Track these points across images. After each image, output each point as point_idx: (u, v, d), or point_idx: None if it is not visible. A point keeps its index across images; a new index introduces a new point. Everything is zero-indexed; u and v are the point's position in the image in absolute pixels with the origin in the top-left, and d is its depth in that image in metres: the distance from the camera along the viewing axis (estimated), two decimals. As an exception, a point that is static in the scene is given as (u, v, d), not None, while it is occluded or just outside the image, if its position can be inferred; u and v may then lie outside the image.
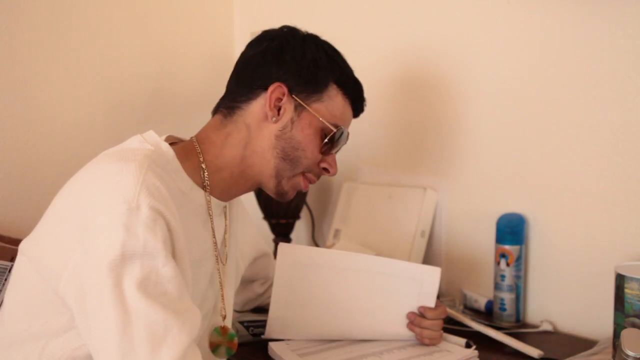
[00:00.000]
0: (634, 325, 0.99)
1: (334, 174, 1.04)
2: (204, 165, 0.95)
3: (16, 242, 1.31)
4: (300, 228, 1.82)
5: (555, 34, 1.28)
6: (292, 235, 1.73)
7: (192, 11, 1.81)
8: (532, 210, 1.34)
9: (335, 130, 0.98)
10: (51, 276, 0.81)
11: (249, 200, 1.74)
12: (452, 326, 1.27)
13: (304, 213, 1.73)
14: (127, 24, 1.63)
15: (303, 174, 1.01)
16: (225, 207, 1.04)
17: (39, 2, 1.43)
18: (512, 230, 1.32)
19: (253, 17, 1.89)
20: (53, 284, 0.80)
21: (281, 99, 0.96)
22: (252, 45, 1.02)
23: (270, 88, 0.96)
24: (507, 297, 1.32)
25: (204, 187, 0.95)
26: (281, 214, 1.66)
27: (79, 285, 0.78)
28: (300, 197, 1.67)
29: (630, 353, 0.85)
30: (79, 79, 1.53)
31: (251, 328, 1.20)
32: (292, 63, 0.97)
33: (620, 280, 1.01)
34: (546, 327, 1.30)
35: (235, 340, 1.04)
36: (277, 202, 1.63)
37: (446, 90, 1.47)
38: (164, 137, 0.96)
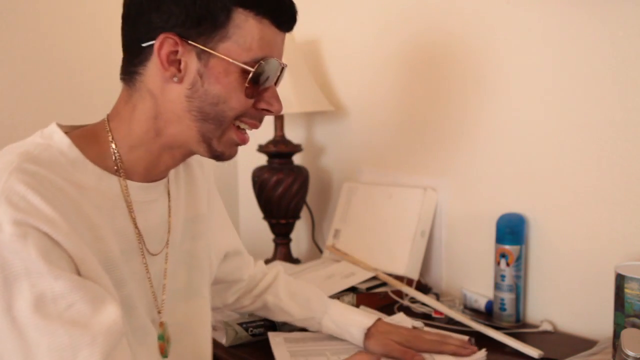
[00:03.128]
0: (634, 325, 0.99)
1: (278, 111, 0.86)
2: (114, 145, 0.82)
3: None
4: (300, 228, 1.82)
5: (555, 34, 1.28)
6: (292, 235, 1.73)
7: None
8: (532, 210, 1.34)
9: (253, 69, 0.80)
10: None
11: (249, 200, 1.74)
12: (452, 326, 1.27)
13: (304, 213, 1.73)
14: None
15: (235, 126, 0.84)
16: (166, 187, 0.91)
17: (39, 2, 1.43)
18: (512, 230, 1.32)
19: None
20: None
21: (176, 52, 0.78)
22: None
23: (156, 43, 0.77)
24: (507, 297, 1.32)
25: (117, 172, 0.82)
26: (281, 214, 1.66)
27: None
28: (300, 197, 1.67)
29: (630, 353, 0.85)
30: (78, 79, 1.53)
31: (251, 328, 1.20)
32: (173, 3, 0.77)
33: (620, 280, 1.01)
34: (546, 327, 1.30)
35: (169, 331, 0.92)
36: (277, 202, 1.63)
37: (446, 90, 1.47)
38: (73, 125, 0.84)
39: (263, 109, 0.86)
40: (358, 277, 1.42)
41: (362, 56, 1.64)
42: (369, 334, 1.12)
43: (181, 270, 0.96)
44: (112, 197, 0.81)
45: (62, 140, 0.79)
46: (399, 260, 1.46)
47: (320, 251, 1.74)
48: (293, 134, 1.77)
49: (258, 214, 1.71)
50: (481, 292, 1.42)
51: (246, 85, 0.81)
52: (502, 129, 1.38)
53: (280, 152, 1.65)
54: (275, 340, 1.16)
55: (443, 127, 1.49)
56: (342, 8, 1.67)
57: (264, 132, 1.81)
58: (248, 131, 0.88)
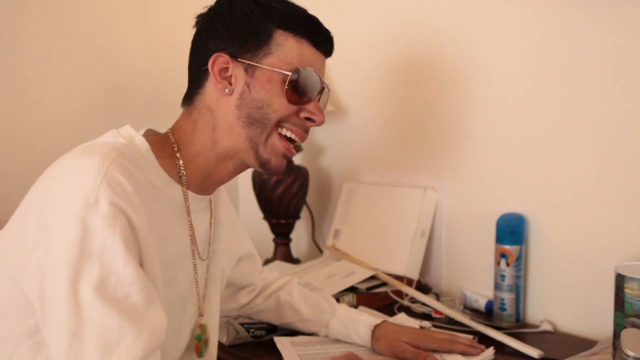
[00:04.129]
0: (634, 325, 0.99)
1: (320, 121, 0.94)
2: (178, 155, 0.91)
3: (16, 242, 1.31)
4: (300, 228, 1.82)
5: (555, 34, 1.28)
6: (292, 236, 1.73)
7: (193, 11, 1.80)
8: (532, 210, 1.34)
9: (291, 73, 0.89)
10: (16, 274, 0.78)
11: (249, 200, 1.74)
12: (452, 326, 1.27)
13: (304, 213, 1.73)
14: (127, 24, 1.63)
15: (279, 134, 0.92)
16: (210, 201, 1.00)
17: (39, 2, 1.43)
18: (512, 230, 1.32)
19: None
20: (18, 282, 0.78)
21: (227, 68, 0.90)
22: (195, 28, 0.97)
23: (210, 62, 0.90)
24: (507, 297, 1.32)
25: (180, 181, 0.91)
26: (281, 214, 1.66)
27: (40, 283, 0.75)
28: (300, 197, 1.67)
29: (630, 353, 0.85)
30: (79, 79, 1.53)
31: (252, 330, 1.20)
32: (224, 28, 0.91)
33: (620, 280, 1.01)
34: (546, 327, 1.30)
35: (208, 331, 1.00)
36: (277, 202, 1.64)
37: (446, 90, 1.47)
38: (142, 130, 0.92)
39: (306, 118, 0.94)
40: (358, 277, 1.42)
41: (362, 56, 1.64)
42: (376, 334, 1.13)
43: (215, 279, 1.05)
44: (176, 202, 0.90)
45: (143, 144, 0.87)
46: (398, 260, 1.46)
47: (320, 251, 1.74)
48: (293, 134, 1.77)
49: (258, 214, 1.71)
50: (481, 292, 1.42)
51: (286, 88, 0.89)
52: (502, 129, 1.38)
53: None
54: (283, 343, 1.15)
55: (443, 127, 1.49)
56: (342, 9, 1.67)
57: (264, 132, 1.81)
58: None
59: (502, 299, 1.32)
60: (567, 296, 1.30)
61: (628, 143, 1.20)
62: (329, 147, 1.77)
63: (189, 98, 0.95)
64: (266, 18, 0.90)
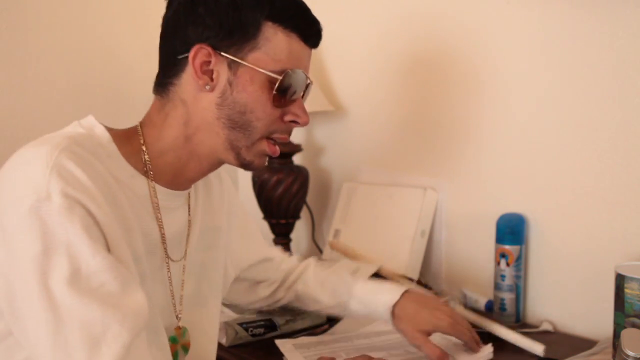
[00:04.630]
0: (634, 325, 0.99)
1: (305, 123, 0.89)
2: (144, 148, 0.85)
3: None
4: (300, 228, 1.82)
5: (555, 34, 1.28)
6: (292, 235, 1.73)
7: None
8: (532, 210, 1.34)
9: (280, 77, 0.83)
10: None
11: (249, 200, 1.74)
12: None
13: (304, 213, 1.73)
14: (126, 23, 1.63)
15: (267, 138, 0.87)
16: (188, 197, 0.94)
17: (39, 2, 1.43)
18: (512, 230, 1.32)
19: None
20: None
21: (209, 62, 0.82)
22: (167, 6, 0.87)
23: (191, 53, 0.82)
24: (507, 297, 1.32)
25: (146, 174, 0.85)
26: (281, 214, 1.66)
27: (6, 286, 0.71)
28: (300, 197, 1.67)
29: (630, 353, 0.85)
30: (79, 79, 1.53)
31: (250, 329, 1.20)
32: (208, 15, 0.82)
33: (620, 280, 1.01)
34: (546, 327, 1.30)
35: (187, 335, 0.94)
36: (277, 202, 1.63)
37: (446, 90, 1.47)
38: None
39: (291, 121, 0.88)
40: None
41: (362, 56, 1.64)
42: (396, 314, 1.09)
43: (192, 280, 0.97)
44: (141, 196, 0.84)
45: (103, 134, 0.82)
46: (398, 260, 1.46)
47: (320, 251, 1.74)
48: (293, 133, 1.77)
49: (258, 214, 1.71)
50: (481, 292, 1.42)
51: (274, 93, 0.83)
52: (502, 129, 1.38)
53: (280, 152, 1.65)
54: (286, 347, 1.15)
55: (443, 127, 1.49)
56: (342, 8, 1.67)
57: (264, 132, 1.81)
58: None
59: (502, 299, 1.32)
60: (567, 296, 1.30)
61: (628, 143, 1.20)
62: (329, 147, 1.77)
63: (161, 86, 0.87)
64: (255, 7, 0.82)
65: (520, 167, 1.35)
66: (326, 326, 1.29)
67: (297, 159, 1.73)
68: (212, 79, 0.83)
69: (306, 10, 0.89)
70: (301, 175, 1.66)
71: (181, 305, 0.94)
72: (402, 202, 1.51)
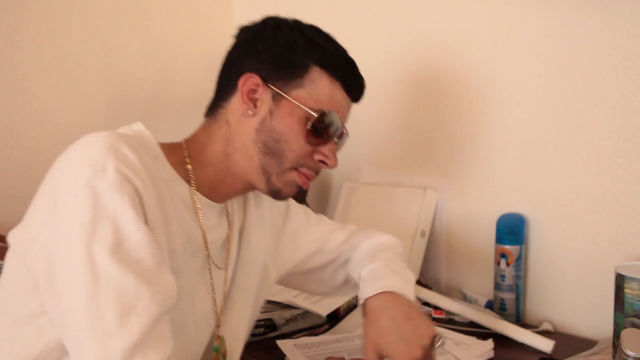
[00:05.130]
0: (634, 325, 0.99)
1: (333, 166, 0.93)
2: (188, 160, 0.91)
3: (16, 242, 1.31)
4: (300, 228, 1.81)
5: (555, 34, 1.28)
6: (292, 235, 1.73)
7: (192, 11, 1.81)
8: (532, 210, 1.34)
9: (316, 115, 0.89)
10: (23, 251, 0.79)
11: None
12: (452, 326, 1.27)
13: (304, 213, 1.73)
14: (127, 24, 1.63)
15: (297, 169, 0.92)
16: (226, 211, 0.98)
17: (39, 2, 1.43)
18: (512, 230, 1.32)
19: (253, 17, 1.88)
20: (24, 259, 0.78)
21: (255, 90, 0.90)
22: (234, 39, 0.98)
23: (241, 80, 0.90)
24: (507, 297, 1.32)
25: (188, 182, 0.90)
26: (281, 214, 1.66)
27: (48, 257, 0.75)
28: (300, 197, 1.66)
29: (630, 353, 0.85)
30: (79, 79, 1.53)
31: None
32: (264, 50, 0.91)
33: (620, 280, 1.01)
34: (546, 327, 1.30)
35: (225, 345, 0.98)
36: (277, 202, 1.63)
37: (446, 90, 1.47)
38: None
39: (319, 161, 0.93)
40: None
41: (362, 56, 1.64)
42: (365, 309, 0.94)
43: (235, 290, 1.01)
44: (184, 198, 0.89)
45: (151, 139, 0.88)
46: (399, 260, 1.46)
47: (320, 251, 1.74)
48: (293, 134, 1.77)
49: (258, 214, 1.71)
50: (481, 292, 1.42)
51: (307, 128, 0.89)
52: (502, 129, 1.38)
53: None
54: (287, 347, 1.15)
55: (443, 127, 1.49)
56: (342, 8, 1.67)
57: (264, 132, 1.81)
58: None
59: (502, 299, 1.32)
60: (567, 296, 1.30)
61: (628, 143, 1.20)
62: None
63: (212, 110, 0.95)
64: (307, 51, 0.91)
65: (520, 167, 1.35)
66: (326, 326, 1.29)
67: (297, 159, 1.73)
68: (255, 106, 0.90)
69: (353, 66, 0.97)
70: (301, 175, 1.65)
71: (222, 316, 0.98)
72: (402, 202, 1.51)
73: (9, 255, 0.84)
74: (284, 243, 1.09)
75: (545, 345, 1.15)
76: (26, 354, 0.78)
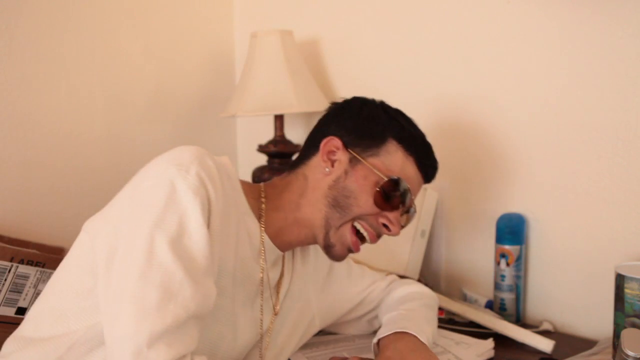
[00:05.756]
0: (634, 325, 0.99)
1: (394, 233, 0.99)
2: (264, 199, 0.99)
3: (16, 242, 1.31)
4: (300, 228, 1.81)
5: (555, 34, 1.28)
6: (292, 235, 1.73)
7: (192, 11, 1.81)
8: (532, 210, 1.34)
9: (386, 179, 0.96)
10: (95, 232, 0.85)
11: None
12: (452, 326, 1.27)
13: (304, 213, 1.73)
14: (127, 24, 1.63)
15: (353, 227, 0.98)
16: (282, 258, 1.04)
17: (39, 2, 1.43)
18: (512, 230, 1.32)
19: (253, 17, 1.89)
20: (94, 238, 0.85)
21: (335, 152, 0.99)
22: (322, 114, 1.07)
23: (324, 141, 0.99)
24: (507, 297, 1.32)
25: (259, 219, 0.97)
26: (281, 214, 1.66)
27: (116, 234, 0.82)
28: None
29: (630, 353, 0.85)
30: (79, 79, 1.53)
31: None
32: (349, 119, 1.01)
33: (620, 280, 1.01)
34: (546, 327, 1.30)
35: None
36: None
37: (446, 89, 1.47)
38: None
39: (383, 224, 0.98)
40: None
41: (362, 56, 1.64)
42: (380, 349, 1.01)
43: (283, 330, 1.07)
44: (250, 232, 0.95)
45: (233, 172, 0.95)
46: (399, 260, 1.46)
47: (320, 251, 1.74)
48: (293, 134, 1.77)
49: (258, 214, 1.71)
50: (481, 292, 1.42)
51: (377, 190, 0.95)
52: (502, 129, 1.38)
53: (280, 152, 1.65)
54: None
55: (443, 127, 1.49)
56: (342, 8, 1.67)
57: (264, 132, 1.81)
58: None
59: (502, 299, 1.32)
60: (567, 296, 1.30)
61: (628, 143, 1.20)
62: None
63: (295, 165, 1.04)
64: (387, 126, 1.00)
65: (520, 167, 1.35)
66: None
67: (297, 159, 1.73)
68: (332, 165, 0.99)
69: (429, 147, 1.05)
70: (301, 175, 1.66)
71: (267, 350, 1.03)
72: (402, 202, 1.51)
73: (79, 242, 0.89)
74: (328, 297, 1.14)
75: (545, 345, 1.15)
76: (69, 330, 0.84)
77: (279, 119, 1.67)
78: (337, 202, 0.96)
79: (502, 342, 1.18)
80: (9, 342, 0.88)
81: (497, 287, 1.34)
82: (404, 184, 0.97)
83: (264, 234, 0.97)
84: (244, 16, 1.91)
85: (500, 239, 1.33)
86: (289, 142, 1.67)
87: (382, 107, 1.03)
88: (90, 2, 1.54)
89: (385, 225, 0.98)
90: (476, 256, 1.44)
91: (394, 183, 0.96)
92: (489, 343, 1.15)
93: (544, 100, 1.31)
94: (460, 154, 1.46)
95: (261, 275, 0.98)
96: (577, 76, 1.25)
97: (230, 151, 1.95)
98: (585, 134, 1.25)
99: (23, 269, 1.21)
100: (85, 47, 1.53)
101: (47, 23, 1.45)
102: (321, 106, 1.62)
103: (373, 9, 1.61)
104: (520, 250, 1.31)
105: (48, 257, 1.25)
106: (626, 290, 1.00)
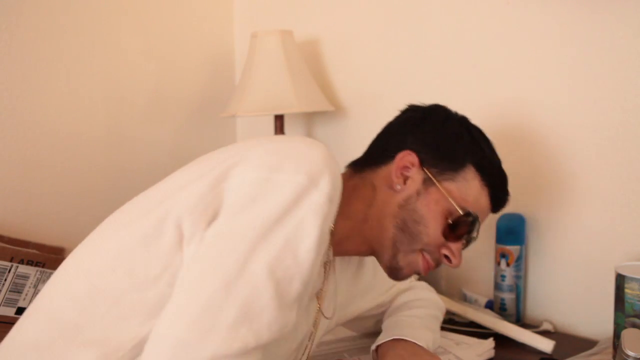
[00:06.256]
0: (634, 325, 0.99)
1: (455, 265, 0.93)
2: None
3: (16, 242, 1.31)
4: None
5: (555, 34, 1.28)
6: (292, 235, 1.73)
7: (192, 11, 1.81)
8: (532, 210, 1.34)
9: (462, 213, 0.90)
10: (184, 208, 0.73)
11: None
12: (452, 326, 1.27)
13: (304, 213, 1.72)
14: (127, 24, 1.63)
15: (422, 253, 0.92)
16: (331, 262, 0.95)
17: (39, 2, 1.43)
18: (512, 230, 1.32)
19: (253, 17, 1.89)
20: (180, 216, 0.72)
21: (409, 168, 0.91)
22: (398, 115, 1.00)
23: (400, 154, 0.92)
24: (507, 297, 1.32)
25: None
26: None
27: (215, 212, 0.72)
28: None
29: (630, 353, 0.85)
30: (79, 79, 1.53)
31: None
32: (430, 134, 0.94)
33: (620, 280, 1.01)
34: (546, 327, 1.30)
35: None
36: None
37: (446, 90, 1.47)
38: None
39: (445, 255, 0.93)
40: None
41: (362, 56, 1.64)
42: (378, 356, 1.03)
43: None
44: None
45: None
46: (399, 260, 1.46)
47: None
48: (293, 134, 1.77)
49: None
50: (481, 292, 1.42)
51: (448, 221, 0.90)
52: (501, 129, 1.38)
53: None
54: None
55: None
56: (342, 8, 1.67)
57: (264, 132, 1.81)
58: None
59: (502, 299, 1.32)
60: (567, 296, 1.30)
61: (628, 143, 1.20)
62: (329, 147, 1.76)
63: (360, 165, 0.96)
64: (469, 150, 0.93)
65: (521, 167, 1.35)
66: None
67: (297, 159, 1.73)
68: (405, 183, 0.91)
69: (505, 178, 0.99)
70: (301, 175, 1.65)
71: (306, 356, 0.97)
72: (402, 202, 1.51)
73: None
74: (353, 297, 1.08)
75: (546, 345, 1.15)
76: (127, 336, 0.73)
77: (279, 119, 1.67)
78: (407, 226, 0.90)
79: (502, 342, 1.18)
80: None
81: (497, 287, 1.34)
82: (477, 219, 0.91)
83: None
84: (244, 16, 1.91)
85: (500, 239, 1.33)
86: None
87: (465, 125, 0.97)
88: (90, 2, 1.54)
89: (446, 257, 0.93)
90: (476, 256, 1.44)
91: (468, 217, 0.90)
92: (489, 343, 1.15)
93: (544, 100, 1.31)
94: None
95: (322, 283, 0.91)
96: (577, 76, 1.25)
97: (230, 151, 1.95)
98: (585, 134, 1.25)
99: (23, 269, 1.21)
100: (85, 47, 1.53)
101: (47, 23, 1.45)
102: (321, 106, 1.62)
103: (373, 9, 1.61)
104: (521, 250, 1.31)
105: (48, 257, 1.25)
106: (626, 290, 1.00)
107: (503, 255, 1.32)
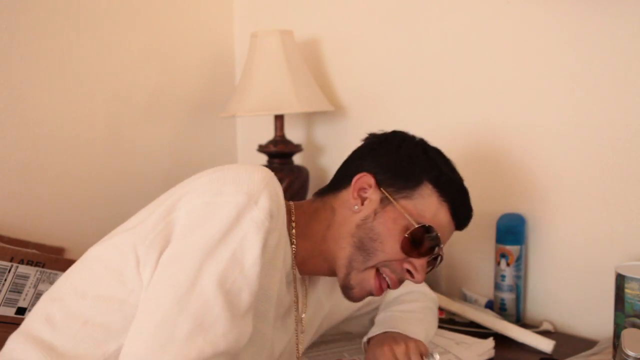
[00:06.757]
0: (634, 325, 0.99)
1: (418, 280, 0.94)
2: (294, 224, 0.95)
3: (16, 242, 1.31)
4: (300, 228, 1.81)
5: (555, 34, 1.28)
6: (292, 235, 1.73)
7: (192, 11, 1.81)
8: (532, 210, 1.34)
9: (417, 225, 0.91)
10: (140, 236, 0.82)
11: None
12: (452, 326, 1.27)
13: (304, 213, 1.73)
14: (127, 24, 1.63)
15: (377, 271, 0.93)
16: (298, 280, 1.00)
17: (39, 2, 1.43)
18: (512, 230, 1.32)
19: (253, 17, 1.89)
20: (136, 244, 0.81)
21: (366, 189, 0.94)
22: (360, 144, 1.03)
23: (357, 176, 0.95)
24: (507, 297, 1.32)
25: (291, 244, 0.95)
26: (281, 214, 1.66)
27: (166, 240, 0.80)
28: (301, 196, 1.67)
29: (630, 353, 0.85)
30: (79, 79, 1.53)
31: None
32: (385, 156, 0.97)
33: (620, 280, 1.01)
34: (546, 327, 1.30)
35: None
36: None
37: (446, 90, 1.47)
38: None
39: (407, 270, 0.93)
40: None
41: (362, 56, 1.64)
42: (369, 348, 1.05)
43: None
44: (286, 257, 0.92)
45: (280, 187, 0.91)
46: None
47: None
48: (293, 134, 1.77)
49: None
50: (481, 292, 1.42)
51: (405, 236, 0.91)
52: (501, 129, 1.38)
53: (280, 152, 1.65)
54: None
55: (442, 127, 1.49)
56: (342, 8, 1.67)
57: (264, 132, 1.81)
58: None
59: (502, 299, 1.32)
60: (567, 296, 1.30)
61: (628, 143, 1.20)
62: (329, 147, 1.77)
63: (322, 194, 1.00)
64: (424, 168, 0.95)
65: (521, 167, 1.35)
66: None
67: (297, 159, 1.73)
68: (362, 204, 0.94)
69: (465, 194, 1.00)
70: (301, 175, 1.66)
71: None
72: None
73: (107, 243, 0.86)
74: (341, 300, 1.08)
75: (546, 345, 1.15)
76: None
77: (279, 119, 1.67)
78: (363, 244, 0.92)
79: (502, 342, 1.18)
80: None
81: (497, 287, 1.34)
82: (435, 232, 0.93)
83: (293, 256, 0.95)
84: (244, 16, 1.91)
85: (500, 239, 1.33)
86: (289, 142, 1.67)
87: (422, 146, 0.99)
88: (90, 3, 1.54)
89: (409, 272, 0.93)
90: (476, 256, 1.44)
91: (425, 230, 0.92)
92: (489, 343, 1.15)
93: (544, 100, 1.31)
94: (460, 155, 1.46)
95: (295, 298, 0.97)
96: (577, 76, 1.25)
97: (230, 151, 1.95)
98: (585, 134, 1.25)
99: (23, 269, 1.21)
100: (85, 47, 1.53)
101: (47, 22, 1.45)
102: (321, 106, 1.62)
103: (373, 9, 1.60)
104: (520, 250, 1.31)
105: (48, 257, 1.25)
106: (626, 290, 1.00)
107: (503, 255, 1.32)
